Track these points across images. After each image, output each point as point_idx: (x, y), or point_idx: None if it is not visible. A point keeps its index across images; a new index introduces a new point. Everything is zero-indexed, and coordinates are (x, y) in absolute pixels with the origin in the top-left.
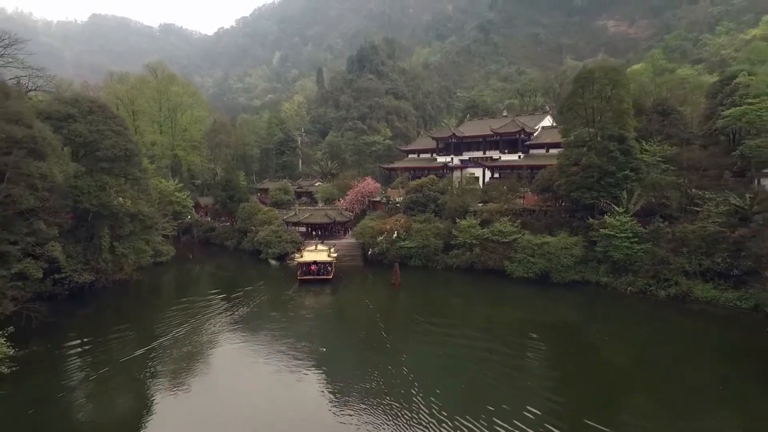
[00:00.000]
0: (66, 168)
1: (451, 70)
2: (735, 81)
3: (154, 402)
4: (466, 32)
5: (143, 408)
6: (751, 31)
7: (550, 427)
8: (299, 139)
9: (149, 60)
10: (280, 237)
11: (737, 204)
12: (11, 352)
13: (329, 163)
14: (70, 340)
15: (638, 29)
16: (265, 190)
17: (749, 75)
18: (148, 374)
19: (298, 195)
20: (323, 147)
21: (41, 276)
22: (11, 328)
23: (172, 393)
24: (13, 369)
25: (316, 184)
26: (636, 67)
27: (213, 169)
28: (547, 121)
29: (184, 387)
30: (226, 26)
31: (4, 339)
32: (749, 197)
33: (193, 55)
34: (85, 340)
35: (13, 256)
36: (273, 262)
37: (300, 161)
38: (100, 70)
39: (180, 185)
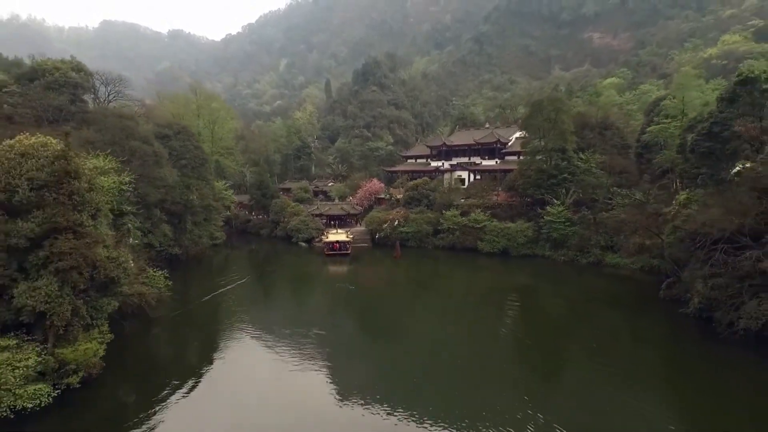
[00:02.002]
0: (171, 173)
1: (447, 80)
2: (662, 102)
3: (220, 325)
4: (462, 43)
5: (214, 327)
6: (708, 50)
7: (510, 357)
8: (312, 145)
9: (160, 66)
10: (307, 225)
11: (639, 198)
12: (169, 284)
13: (340, 166)
14: (177, 285)
15: (620, 41)
16: (288, 190)
17: (674, 98)
18: (224, 307)
19: (315, 193)
20: (333, 152)
21: (158, 246)
22: (166, 270)
23: (233, 319)
24: (169, 294)
25: (329, 184)
26: (608, 81)
27: (243, 172)
28: (520, 133)
29: (243, 318)
30: (233, 32)
31: (166, 276)
32: (647, 193)
33: (202, 60)
34: (184, 286)
35: (142, 232)
36: (303, 244)
37: (313, 165)
38: (113, 74)
39: (226, 185)
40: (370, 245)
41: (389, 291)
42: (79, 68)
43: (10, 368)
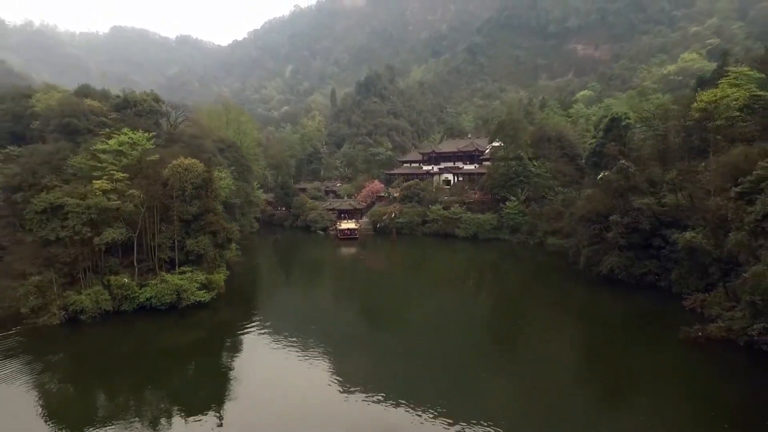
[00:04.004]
0: (228, 176)
1: (442, 87)
2: (604, 120)
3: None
4: (457, 52)
5: (258, 282)
6: (669, 67)
7: (489, 319)
8: (322, 150)
9: (170, 71)
10: (323, 217)
11: (574, 195)
12: (239, 252)
13: (346, 169)
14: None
15: (602, 52)
16: (304, 189)
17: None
18: (265, 275)
19: (326, 192)
20: (340, 156)
21: None
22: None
23: (272, 283)
24: (240, 260)
25: (337, 185)
26: (580, 93)
27: (265, 175)
28: (496, 142)
29: (277, 280)
30: (239, 38)
31: (238, 249)
32: (579, 191)
33: (209, 65)
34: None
35: None
36: (320, 232)
37: (323, 168)
38: (124, 79)
39: (257, 186)
40: (372, 233)
41: (389, 264)
42: (157, 99)
43: (192, 281)
